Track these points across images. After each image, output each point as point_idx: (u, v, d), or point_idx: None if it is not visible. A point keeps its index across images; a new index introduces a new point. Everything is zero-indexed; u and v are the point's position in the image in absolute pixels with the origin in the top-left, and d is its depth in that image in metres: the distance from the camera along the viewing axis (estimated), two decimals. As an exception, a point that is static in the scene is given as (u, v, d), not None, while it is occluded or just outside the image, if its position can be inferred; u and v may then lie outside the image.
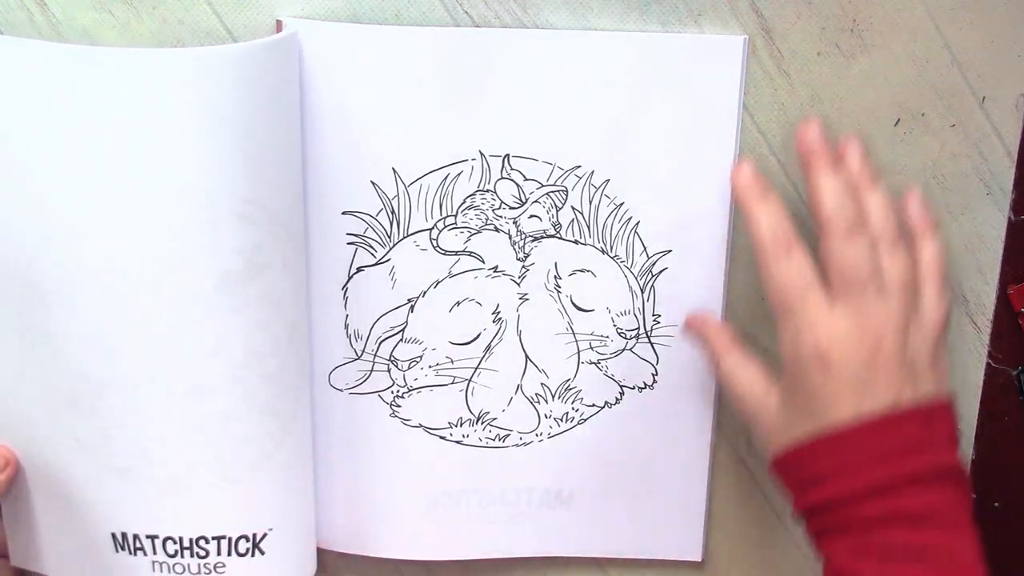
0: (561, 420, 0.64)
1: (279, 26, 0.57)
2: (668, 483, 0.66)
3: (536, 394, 0.64)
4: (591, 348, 0.63)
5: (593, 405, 0.64)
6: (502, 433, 0.64)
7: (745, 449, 0.67)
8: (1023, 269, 0.64)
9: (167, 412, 0.58)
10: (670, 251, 0.62)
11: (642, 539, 0.67)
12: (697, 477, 0.66)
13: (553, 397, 0.64)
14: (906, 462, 0.53)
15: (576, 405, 0.64)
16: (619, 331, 0.63)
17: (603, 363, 0.64)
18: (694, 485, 0.66)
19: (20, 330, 0.57)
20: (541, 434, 0.65)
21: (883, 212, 0.56)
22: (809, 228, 0.63)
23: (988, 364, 0.66)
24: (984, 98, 0.61)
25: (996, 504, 0.68)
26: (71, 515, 0.60)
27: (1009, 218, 0.63)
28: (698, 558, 0.68)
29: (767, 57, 0.60)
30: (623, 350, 0.63)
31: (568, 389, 0.64)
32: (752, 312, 0.64)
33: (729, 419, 0.66)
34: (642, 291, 0.62)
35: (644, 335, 0.63)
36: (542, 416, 0.64)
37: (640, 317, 0.63)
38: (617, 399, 0.64)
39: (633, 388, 0.64)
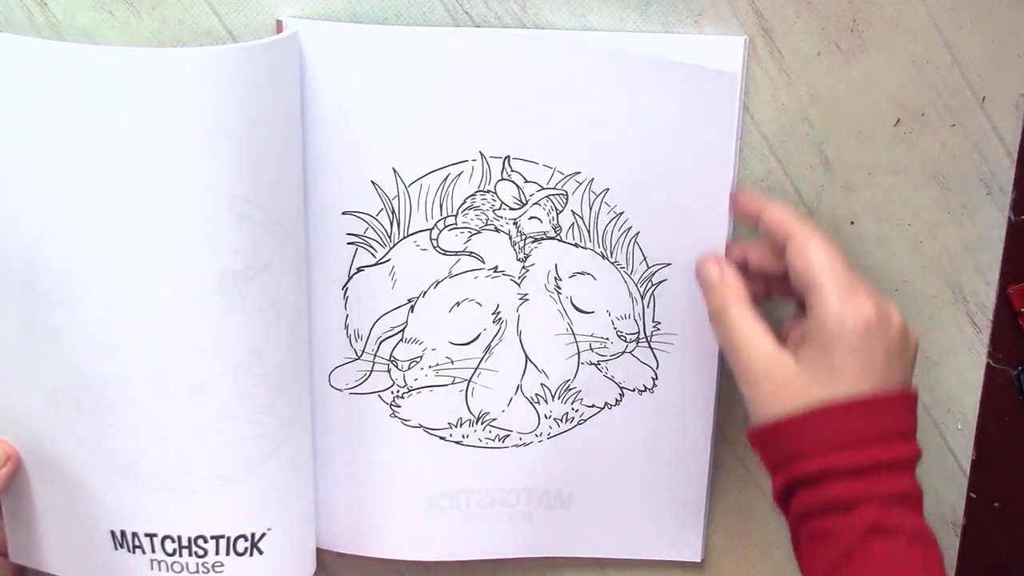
0: (561, 420, 0.64)
1: (279, 26, 0.57)
2: (668, 484, 0.66)
3: (536, 394, 0.64)
4: (591, 349, 0.63)
5: (593, 406, 0.64)
6: (502, 433, 0.64)
7: (745, 450, 0.66)
8: (1023, 269, 0.64)
9: (167, 411, 0.58)
10: (669, 264, 0.62)
11: (642, 540, 0.67)
12: (697, 479, 0.66)
13: (553, 397, 0.64)
14: (901, 445, 0.54)
15: (576, 406, 0.64)
16: (619, 334, 0.63)
17: (603, 364, 0.63)
18: (694, 487, 0.66)
19: (21, 328, 0.57)
20: (541, 434, 0.65)
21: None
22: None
23: (988, 364, 0.66)
24: (984, 98, 0.61)
25: (996, 504, 0.68)
26: (70, 512, 0.61)
27: (1009, 218, 0.63)
28: (698, 558, 0.68)
29: (767, 57, 0.60)
30: (623, 352, 0.63)
31: (568, 390, 0.64)
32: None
33: (729, 421, 0.66)
34: (642, 297, 0.62)
35: (644, 340, 0.63)
36: (542, 416, 0.64)
37: (640, 322, 0.63)
38: (617, 400, 0.64)
39: (633, 390, 0.64)
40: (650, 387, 0.64)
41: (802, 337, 0.55)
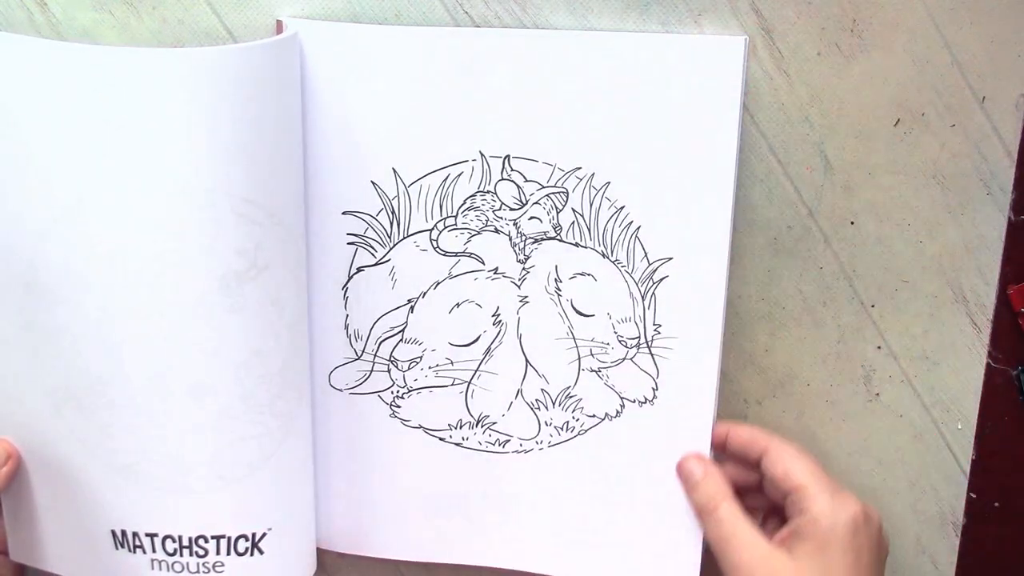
0: (561, 429, 0.64)
1: (279, 26, 0.57)
2: (667, 507, 0.64)
3: (536, 400, 0.63)
4: (592, 355, 0.63)
5: (594, 416, 0.63)
6: (502, 438, 0.64)
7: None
8: (1023, 269, 0.64)
9: (168, 411, 0.58)
10: (671, 259, 0.61)
11: (639, 563, 0.65)
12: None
13: (553, 404, 0.63)
14: None
15: (576, 415, 0.63)
16: (619, 338, 0.62)
17: (604, 372, 0.63)
18: (691, 513, 0.63)
19: (21, 328, 0.57)
20: (542, 442, 0.64)
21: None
22: (811, 233, 0.63)
23: (988, 364, 0.66)
24: (984, 98, 0.61)
25: (996, 504, 0.68)
26: (71, 512, 0.61)
27: (1009, 218, 0.63)
28: None
29: (767, 57, 0.60)
30: (623, 359, 0.63)
31: (568, 397, 0.63)
32: (751, 312, 0.64)
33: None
34: (643, 298, 0.62)
35: (644, 344, 0.62)
36: (542, 423, 0.64)
37: (641, 325, 0.62)
38: (618, 412, 0.63)
39: (633, 402, 0.63)
40: (650, 399, 0.63)
41: (790, 536, 0.58)
